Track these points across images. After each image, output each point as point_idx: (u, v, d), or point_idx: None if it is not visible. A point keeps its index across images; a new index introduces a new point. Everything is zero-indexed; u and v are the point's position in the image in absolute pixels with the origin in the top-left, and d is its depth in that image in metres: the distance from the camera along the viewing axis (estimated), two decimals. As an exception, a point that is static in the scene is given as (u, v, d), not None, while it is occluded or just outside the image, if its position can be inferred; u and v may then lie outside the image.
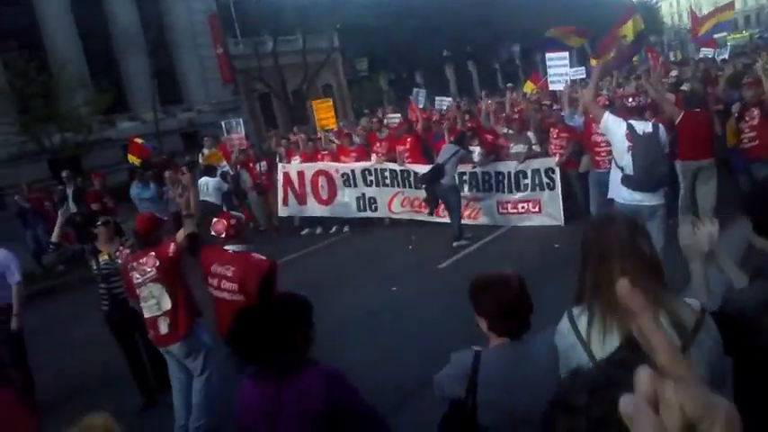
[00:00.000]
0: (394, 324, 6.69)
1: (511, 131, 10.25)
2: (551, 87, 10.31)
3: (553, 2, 48.57)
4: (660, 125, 6.32)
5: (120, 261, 5.30)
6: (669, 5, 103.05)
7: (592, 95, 6.09)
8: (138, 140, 13.76)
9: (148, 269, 4.80)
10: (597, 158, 8.29)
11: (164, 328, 4.81)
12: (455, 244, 9.25)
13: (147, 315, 4.89)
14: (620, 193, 5.99)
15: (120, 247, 5.41)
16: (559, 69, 9.99)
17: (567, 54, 10.24)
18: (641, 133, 5.81)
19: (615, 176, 6.12)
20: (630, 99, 6.51)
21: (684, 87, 9.53)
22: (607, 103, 8.15)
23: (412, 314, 6.91)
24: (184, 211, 4.88)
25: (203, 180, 11.31)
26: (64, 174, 12.43)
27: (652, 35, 59.41)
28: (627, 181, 5.85)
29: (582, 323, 2.08)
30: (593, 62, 14.37)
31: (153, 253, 4.82)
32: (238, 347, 2.52)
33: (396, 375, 5.34)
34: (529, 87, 16.33)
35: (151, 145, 13.18)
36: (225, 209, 10.55)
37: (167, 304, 4.78)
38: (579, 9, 52.64)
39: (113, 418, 1.97)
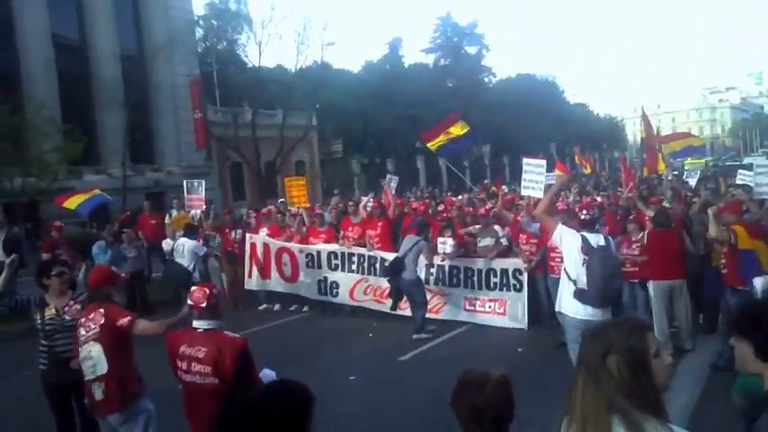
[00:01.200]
0: (349, 415, 6.36)
1: (477, 226, 10.25)
2: (524, 193, 10.35)
3: (525, 108, 50.80)
4: (610, 238, 6.36)
5: (67, 317, 4.96)
6: (633, 124, 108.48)
7: (545, 207, 6.11)
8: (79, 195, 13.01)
9: (93, 326, 4.53)
10: (552, 264, 8.48)
11: (98, 393, 4.49)
12: (415, 336, 9.04)
13: (85, 378, 4.59)
14: (569, 307, 5.89)
15: (71, 302, 5.07)
16: (535, 176, 10.05)
17: (544, 162, 10.40)
18: (596, 246, 5.79)
19: (564, 289, 6.03)
20: (584, 211, 6.53)
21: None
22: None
23: (369, 406, 6.63)
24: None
25: (180, 241, 10.85)
26: None
27: (615, 150, 62.24)
28: (579, 295, 5.75)
29: None
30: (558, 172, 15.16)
31: (102, 310, 4.55)
32: None
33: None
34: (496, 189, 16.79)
35: (103, 199, 12.68)
36: (196, 275, 10.20)
37: (103, 368, 4.47)
38: (548, 117, 55.16)
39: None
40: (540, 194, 10.25)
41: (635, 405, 1.92)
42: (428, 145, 13.98)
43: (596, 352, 2.00)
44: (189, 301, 4.05)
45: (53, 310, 5.13)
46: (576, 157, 26.85)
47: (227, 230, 12.24)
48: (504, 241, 9.85)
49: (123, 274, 6.28)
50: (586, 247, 5.76)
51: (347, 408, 6.64)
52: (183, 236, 10.97)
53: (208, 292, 4.03)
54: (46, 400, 5.25)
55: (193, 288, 4.11)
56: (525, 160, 10.36)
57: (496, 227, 10.08)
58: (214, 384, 3.84)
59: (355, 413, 6.42)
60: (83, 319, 4.65)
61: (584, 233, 5.95)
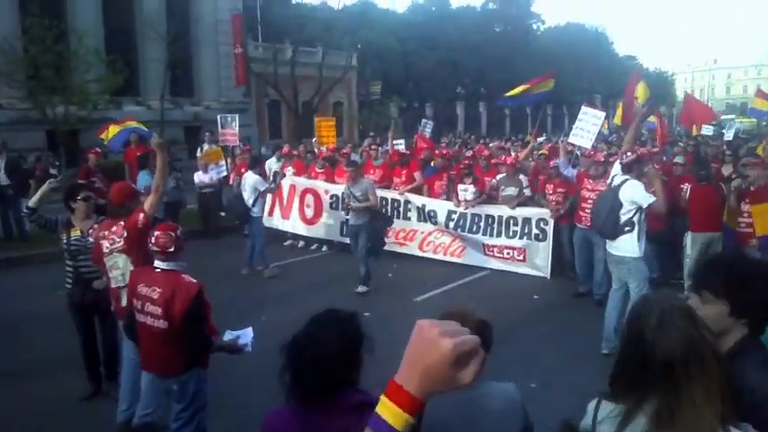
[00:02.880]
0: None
1: (502, 175, 10.20)
2: (572, 140, 10.18)
3: (572, 59, 49.33)
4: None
5: (91, 239, 5.20)
6: (684, 80, 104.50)
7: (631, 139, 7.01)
8: (113, 127, 13.02)
9: (117, 239, 4.83)
10: (581, 213, 8.36)
11: (124, 300, 4.73)
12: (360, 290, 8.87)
13: (112, 285, 4.89)
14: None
15: (96, 225, 5.31)
16: (590, 126, 9.84)
17: (602, 114, 10.22)
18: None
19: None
20: (629, 153, 6.57)
21: (678, 160, 9.54)
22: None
23: (381, 342, 6.81)
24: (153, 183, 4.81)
25: (246, 174, 10.16)
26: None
27: (663, 105, 60.37)
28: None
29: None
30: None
31: (122, 223, 4.83)
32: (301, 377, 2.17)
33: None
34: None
35: (148, 132, 12.80)
36: (256, 209, 10.02)
37: None
38: (595, 68, 53.55)
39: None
40: (588, 144, 10.18)
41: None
42: (506, 94, 13.15)
43: (704, 338, 1.65)
44: (154, 248, 4.02)
45: (78, 232, 5.37)
46: (618, 110, 26.15)
47: (242, 168, 12.26)
48: (527, 192, 9.81)
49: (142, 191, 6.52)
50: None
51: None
52: (249, 168, 10.31)
53: (173, 235, 4.03)
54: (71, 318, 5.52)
55: (157, 233, 4.04)
56: (584, 108, 10.29)
57: (521, 176, 10.02)
58: (163, 329, 3.87)
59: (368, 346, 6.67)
60: (105, 232, 4.90)
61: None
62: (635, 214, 6.21)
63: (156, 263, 4.05)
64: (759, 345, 2.14)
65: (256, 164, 10.67)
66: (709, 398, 1.58)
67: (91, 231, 5.32)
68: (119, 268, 4.83)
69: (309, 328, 2.26)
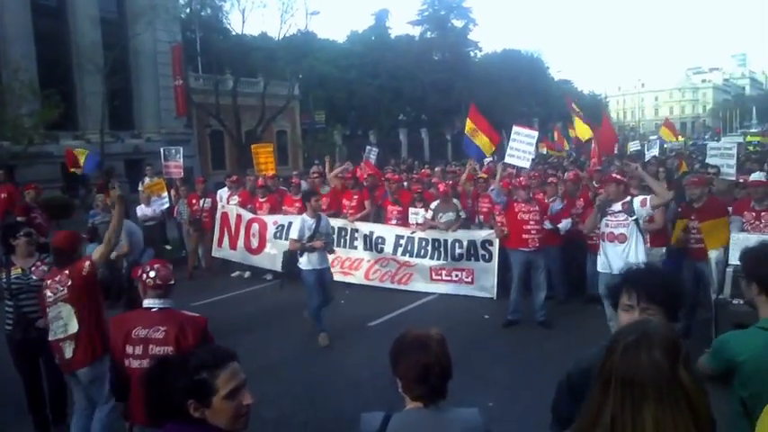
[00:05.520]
0: (323, 379, 6.58)
1: (437, 202, 10.26)
2: (508, 161, 10.26)
3: (510, 83, 50.69)
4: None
5: (34, 277, 5.04)
6: (616, 102, 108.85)
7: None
8: (78, 151, 13.12)
9: (60, 288, 4.67)
10: (526, 237, 8.37)
11: (68, 352, 4.63)
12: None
13: (51, 338, 4.71)
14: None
15: (38, 263, 5.14)
16: (524, 146, 9.65)
17: (535, 133, 10.11)
18: None
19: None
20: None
21: None
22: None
23: (339, 369, 6.88)
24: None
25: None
26: None
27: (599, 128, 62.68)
28: None
29: None
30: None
31: (67, 271, 4.69)
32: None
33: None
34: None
35: (96, 157, 12.52)
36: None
37: (74, 327, 4.62)
38: (532, 92, 55.22)
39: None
40: (526, 164, 10.17)
41: None
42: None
43: (665, 362, 1.53)
44: (157, 281, 3.76)
45: (19, 270, 5.18)
46: (555, 134, 27.08)
47: (194, 200, 12.22)
48: (462, 214, 10.03)
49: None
50: None
51: (316, 369, 6.85)
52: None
53: (171, 270, 3.85)
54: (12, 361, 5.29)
55: (156, 266, 3.81)
56: (515, 129, 9.97)
57: (455, 200, 10.23)
58: None
59: (324, 374, 6.69)
60: (48, 281, 4.75)
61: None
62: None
63: (148, 302, 3.77)
64: None
65: None
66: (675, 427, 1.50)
67: (33, 269, 5.16)
68: (62, 318, 4.66)
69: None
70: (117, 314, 3.95)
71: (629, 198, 6.95)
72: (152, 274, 3.76)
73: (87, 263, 4.69)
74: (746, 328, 2.76)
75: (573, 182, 10.28)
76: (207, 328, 3.71)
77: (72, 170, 12.74)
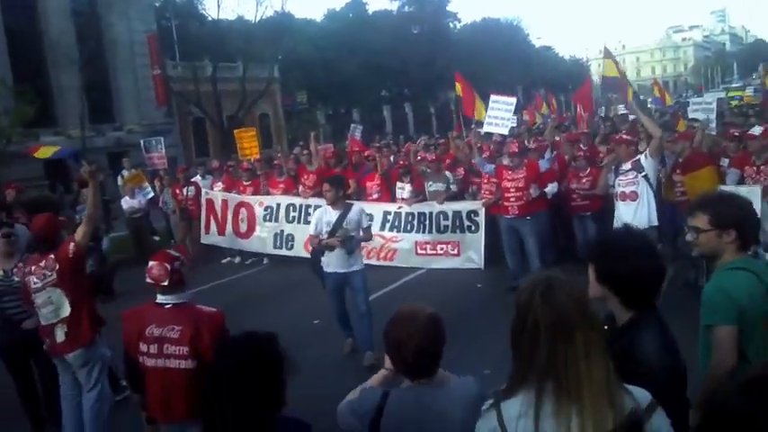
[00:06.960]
0: (317, 358, 6.56)
1: (428, 170, 10.26)
2: (486, 129, 10.21)
3: (490, 52, 50.43)
4: None
5: (16, 278, 4.96)
6: (597, 65, 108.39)
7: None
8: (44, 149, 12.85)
9: (48, 273, 4.60)
10: (507, 204, 8.46)
11: (60, 335, 4.60)
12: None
13: (43, 323, 4.67)
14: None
15: (19, 264, 5.07)
16: (502, 114, 9.74)
17: (514, 100, 10.08)
18: None
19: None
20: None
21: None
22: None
23: (335, 348, 6.92)
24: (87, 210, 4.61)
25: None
26: None
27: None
28: None
29: (521, 427, 1.76)
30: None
31: (52, 256, 4.62)
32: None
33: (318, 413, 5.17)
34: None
35: (69, 152, 12.33)
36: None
37: (66, 311, 4.58)
38: (516, 60, 54.98)
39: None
40: (505, 131, 10.19)
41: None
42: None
43: (577, 296, 1.85)
44: (148, 279, 3.56)
45: (1, 272, 5.11)
46: (537, 99, 27.07)
47: (177, 189, 12.15)
48: (453, 187, 9.95)
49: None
50: None
51: (313, 350, 6.82)
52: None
53: (169, 267, 3.50)
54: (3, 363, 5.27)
55: (150, 264, 3.58)
56: (493, 97, 10.03)
57: (447, 172, 10.16)
58: (189, 368, 3.42)
59: (319, 354, 6.64)
60: (32, 267, 4.66)
61: None
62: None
63: (161, 298, 3.56)
64: (655, 317, 2.27)
65: None
66: (599, 355, 1.74)
67: (15, 270, 5.07)
68: (52, 303, 4.61)
69: (223, 357, 2.41)
70: (128, 309, 3.78)
71: (637, 157, 7.00)
72: (147, 274, 3.57)
73: (71, 244, 4.61)
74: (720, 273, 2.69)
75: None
76: (224, 324, 3.50)
77: (35, 155, 12.59)
